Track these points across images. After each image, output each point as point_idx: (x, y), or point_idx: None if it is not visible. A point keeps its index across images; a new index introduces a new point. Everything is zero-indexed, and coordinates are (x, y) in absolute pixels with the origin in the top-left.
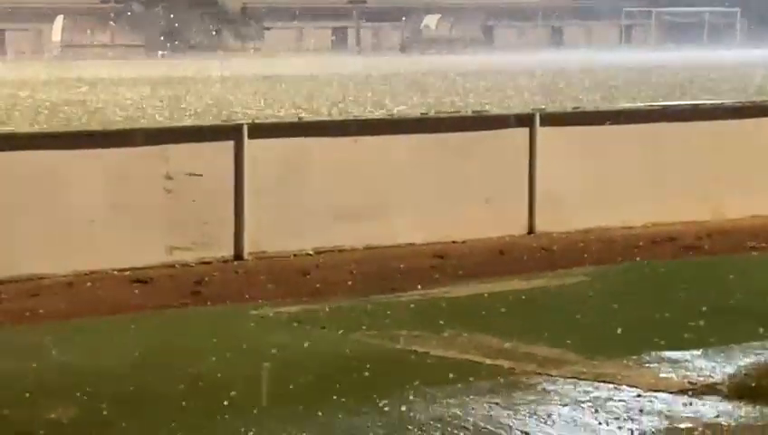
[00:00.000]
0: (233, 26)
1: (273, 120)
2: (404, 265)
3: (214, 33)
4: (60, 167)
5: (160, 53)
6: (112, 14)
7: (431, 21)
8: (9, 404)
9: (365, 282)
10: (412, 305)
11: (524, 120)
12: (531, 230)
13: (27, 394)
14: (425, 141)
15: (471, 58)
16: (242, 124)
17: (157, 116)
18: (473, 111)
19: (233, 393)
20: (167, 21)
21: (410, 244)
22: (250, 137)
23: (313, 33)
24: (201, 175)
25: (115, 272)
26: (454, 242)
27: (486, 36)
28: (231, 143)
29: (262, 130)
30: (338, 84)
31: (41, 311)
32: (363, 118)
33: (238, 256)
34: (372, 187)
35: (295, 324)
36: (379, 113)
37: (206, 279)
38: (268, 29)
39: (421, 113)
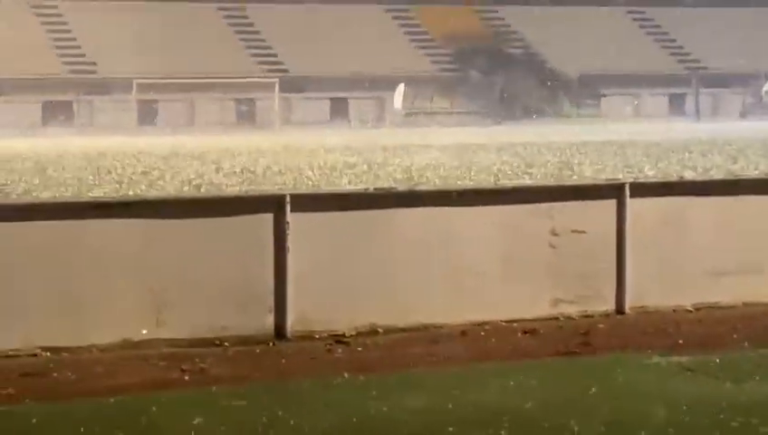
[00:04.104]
0: (569, 93)
1: (654, 179)
2: None
3: (550, 100)
4: (456, 221)
5: (498, 119)
6: (452, 82)
7: None
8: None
9: (750, 336)
10: None
11: None
12: None
13: (450, 428)
14: None
15: None
16: (624, 183)
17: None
18: None
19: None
20: (505, 88)
21: None
22: (632, 196)
23: (649, 99)
24: (584, 231)
25: (504, 323)
26: None
27: None
28: (613, 201)
29: (642, 189)
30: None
31: (440, 356)
32: (744, 177)
33: (620, 310)
34: (751, 245)
35: (688, 373)
36: (754, 173)
37: (592, 331)
38: (604, 96)
39: None
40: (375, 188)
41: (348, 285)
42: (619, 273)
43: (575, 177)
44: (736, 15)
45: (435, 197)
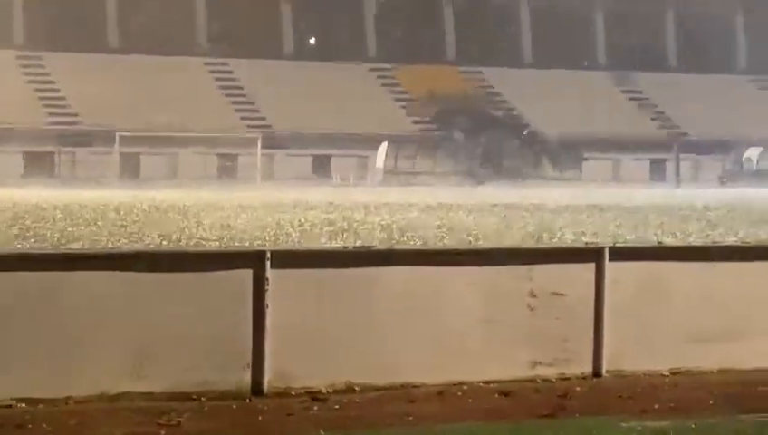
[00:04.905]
0: (550, 155)
1: (633, 244)
2: (762, 388)
3: (531, 162)
4: (435, 281)
5: (479, 180)
6: (434, 142)
7: (753, 153)
8: None
9: (726, 402)
10: None
11: None
12: None
13: None
14: None
15: None
16: (603, 247)
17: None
18: None
19: None
20: (487, 149)
21: (765, 369)
22: (610, 259)
23: (630, 164)
24: (563, 294)
25: (481, 384)
26: None
27: None
28: (592, 265)
29: (621, 253)
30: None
31: (416, 416)
32: (723, 244)
33: (597, 373)
34: (727, 311)
35: None
36: (732, 240)
37: (569, 393)
38: (585, 159)
39: None
40: (355, 247)
41: (326, 343)
42: (596, 336)
43: (555, 239)
44: (717, 82)
45: (414, 256)
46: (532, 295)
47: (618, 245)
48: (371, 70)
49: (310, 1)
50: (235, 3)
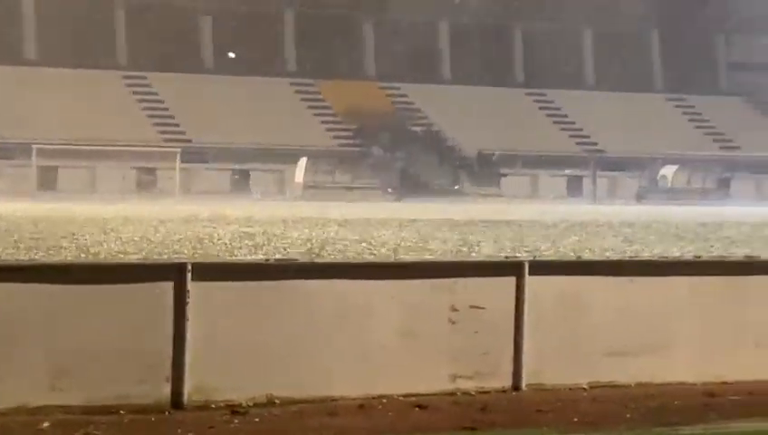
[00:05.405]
0: (469, 172)
1: (553, 258)
2: (678, 402)
3: (450, 177)
4: (356, 294)
5: (398, 195)
6: (354, 157)
7: (668, 171)
8: None
9: (644, 415)
10: None
11: None
12: None
13: None
14: (698, 284)
15: (707, 209)
16: (523, 261)
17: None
18: (745, 256)
19: None
20: (406, 164)
21: (680, 382)
22: (531, 273)
23: (548, 180)
24: (484, 308)
25: (401, 397)
26: (723, 383)
27: (722, 187)
28: (513, 279)
29: (542, 268)
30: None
31: (336, 429)
32: (639, 259)
33: (516, 386)
34: (644, 326)
35: None
36: (648, 255)
37: (489, 407)
38: (504, 175)
39: (695, 256)
40: (277, 259)
41: (246, 356)
42: (516, 350)
43: (474, 254)
44: (635, 100)
45: (336, 269)
46: (454, 309)
47: (538, 259)
48: (292, 84)
49: (230, 15)
50: (155, 16)
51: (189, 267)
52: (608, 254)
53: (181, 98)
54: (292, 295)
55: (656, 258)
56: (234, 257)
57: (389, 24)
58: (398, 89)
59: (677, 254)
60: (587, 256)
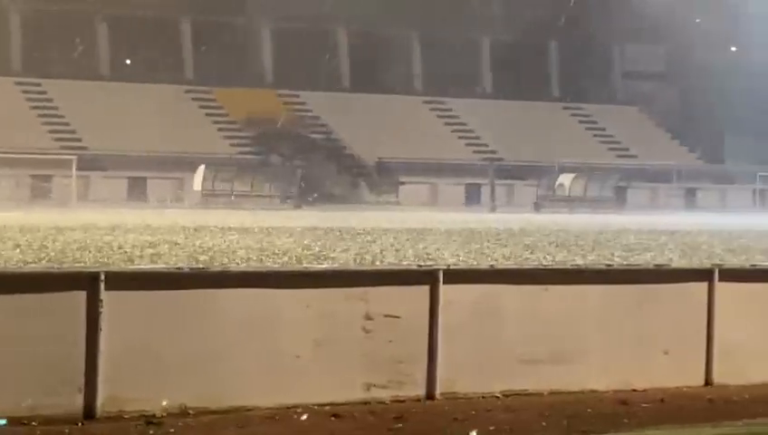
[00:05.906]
0: (368, 180)
1: (467, 266)
2: (591, 410)
3: (349, 186)
4: (270, 303)
5: (297, 203)
6: (252, 165)
7: (566, 180)
8: None
9: (557, 423)
10: None
11: (703, 275)
12: (708, 382)
13: None
14: (610, 292)
15: (605, 217)
16: (438, 270)
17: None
18: (655, 265)
19: None
20: (305, 173)
21: (593, 390)
22: (445, 282)
23: (446, 188)
24: (398, 316)
25: (316, 406)
26: (635, 390)
27: (619, 197)
28: (427, 288)
29: (456, 276)
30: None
31: None
32: (553, 268)
33: (430, 395)
34: (558, 334)
35: None
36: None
37: (404, 416)
38: (403, 183)
39: (606, 264)
40: (191, 268)
41: (160, 366)
42: (430, 358)
43: (377, 262)
44: (532, 109)
45: (250, 278)
46: (368, 318)
47: (452, 268)
48: (188, 92)
49: (127, 21)
50: (49, 22)
51: (103, 277)
52: (508, 263)
53: (77, 105)
54: (207, 304)
55: (569, 267)
56: (136, 266)
57: (287, 32)
58: (297, 96)
59: (578, 262)
60: (488, 263)
